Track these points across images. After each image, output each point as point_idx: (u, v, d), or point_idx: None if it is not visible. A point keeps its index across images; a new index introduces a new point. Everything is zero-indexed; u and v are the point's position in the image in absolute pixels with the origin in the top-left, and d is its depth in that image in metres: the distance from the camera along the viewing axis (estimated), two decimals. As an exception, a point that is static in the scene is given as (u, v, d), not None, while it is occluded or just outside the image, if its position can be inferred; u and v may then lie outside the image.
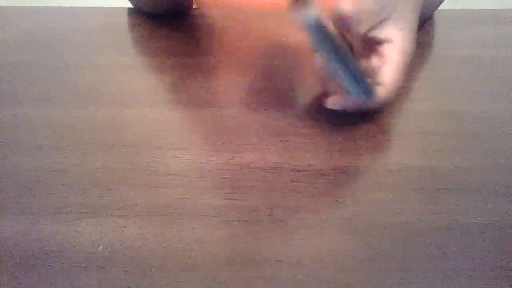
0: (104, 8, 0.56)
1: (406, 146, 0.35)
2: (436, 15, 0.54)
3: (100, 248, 0.28)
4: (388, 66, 0.36)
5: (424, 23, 0.52)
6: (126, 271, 0.27)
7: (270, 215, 0.30)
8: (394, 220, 0.30)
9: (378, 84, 0.36)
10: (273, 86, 0.42)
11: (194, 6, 0.67)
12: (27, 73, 0.44)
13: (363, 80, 0.34)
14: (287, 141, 0.36)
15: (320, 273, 0.27)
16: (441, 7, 0.54)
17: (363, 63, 0.37)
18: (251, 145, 0.35)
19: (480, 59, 0.46)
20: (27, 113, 0.39)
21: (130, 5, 0.57)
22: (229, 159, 0.34)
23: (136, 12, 0.55)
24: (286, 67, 0.41)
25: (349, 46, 0.36)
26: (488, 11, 0.55)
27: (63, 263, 0.28)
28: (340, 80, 0.34)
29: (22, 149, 0.35)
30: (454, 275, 0.27)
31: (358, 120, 0.38)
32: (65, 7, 0.56)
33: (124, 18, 0.54)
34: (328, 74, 0.36)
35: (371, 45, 0.37)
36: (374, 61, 0.37)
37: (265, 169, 0.33)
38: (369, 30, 0.36)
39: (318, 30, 0.33)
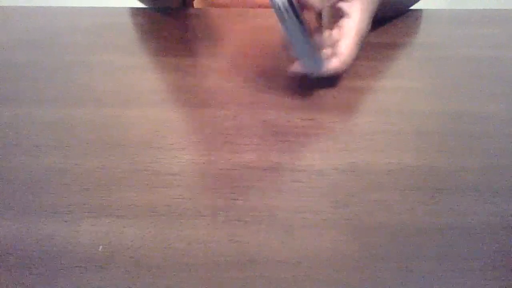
0: (104, 8, 0.56)
1: (406, 146, 0.35)
2: (436, 15, 0.54)
3: (100, 248, 0.28)
4: (344, 40, 0.40)
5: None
6: (126, 271, 0.27)
7: (270, 215, 0.30)
8: (394, 220, 0.30)
9: (335, 55, 0.40)
10: (273, 85, 0.42)
11: (194, 6, 0.67)
12: (27, 73, 0.44)
13: (315, 52, 0.38)
14: (287, 141, 0.36)
15: (320, 273, 0.27)
16: (441, 7, 0.54)
17: (326, 34, 0.41)
18: (251, 145, 0.35)
19: (480, 59, 0.46)
20: (27, 113, 0.39)
21: (130, 5, 0.57)
22: (229, 159, 0.34)
23: (136, 12, 0.55)
24: (286, 67, 0.41)
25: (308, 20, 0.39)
26: (488, 11, 0.55)
27: (63, 263, 0.28)
28: (297, 51, 0.38)
29: (22, 149, 0.35)
30: (454, 275, 0.27)
31: (359, 119, 0.38)
32: (65, 7, 0.56)
33: (124, 18, 0.54)
34: (291, 46, 0.39)
35: (336, 17, 0.42)
36: (335, 32, 0.41)
37: (265, 169, 0.33)
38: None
39: (285, 9, 0.36)
